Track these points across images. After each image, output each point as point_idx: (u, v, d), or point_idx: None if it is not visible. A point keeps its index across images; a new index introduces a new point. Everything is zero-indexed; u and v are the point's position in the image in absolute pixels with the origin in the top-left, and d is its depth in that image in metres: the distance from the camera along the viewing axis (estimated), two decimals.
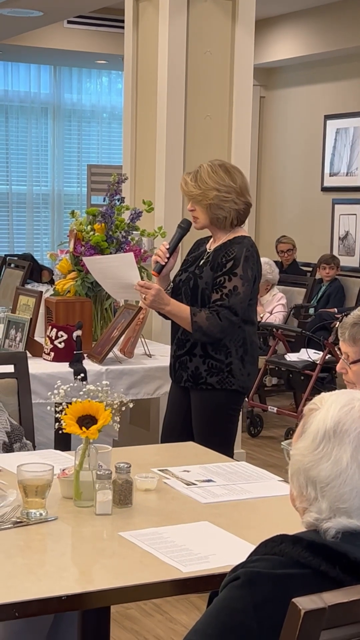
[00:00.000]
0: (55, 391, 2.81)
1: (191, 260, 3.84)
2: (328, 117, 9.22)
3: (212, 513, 2.42)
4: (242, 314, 3.66)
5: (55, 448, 3.85)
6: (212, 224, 3.72)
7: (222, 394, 3.71)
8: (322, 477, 1.54)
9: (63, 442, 4.13)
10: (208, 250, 3.78)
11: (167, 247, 3.77)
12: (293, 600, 1.38)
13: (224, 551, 2.15)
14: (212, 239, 3.81)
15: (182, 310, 3.69)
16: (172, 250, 3.77)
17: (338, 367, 2.77)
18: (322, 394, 1.65)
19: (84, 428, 2.39)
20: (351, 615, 1.39)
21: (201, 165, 3.73)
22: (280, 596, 1.46)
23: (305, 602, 1.36)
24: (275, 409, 6.44)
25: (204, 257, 3.76)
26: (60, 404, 2.66)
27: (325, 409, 1.58)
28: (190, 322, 3.65)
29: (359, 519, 1.52)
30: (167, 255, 3.75)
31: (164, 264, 3.76)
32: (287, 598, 1.42)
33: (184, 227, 3.82)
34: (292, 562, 1.51)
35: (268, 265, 7.09)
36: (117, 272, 4.22)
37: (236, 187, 3.67)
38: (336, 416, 1.56)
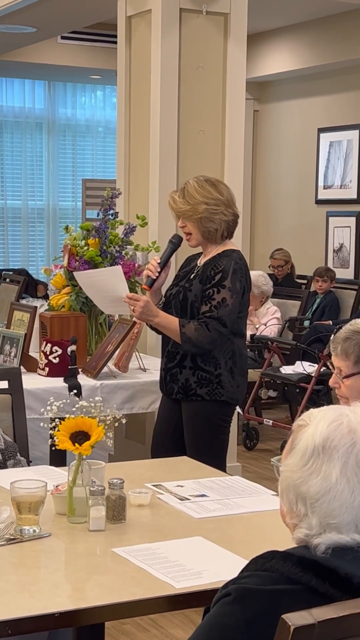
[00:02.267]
0: (49, 407, 2.81)
1: (182, 275, 3.88)
2: (321, 130, 9.25)
3: (205, 528, 2.42)
4: (231, 326, 3.69)
5: (51, 463, 3.86)
6: (204, 238, 3.75)
7: (212, 405, 3.73)
8: (312, 493, 1.55)
9: (58, 457, 4.13)
10: (198, 265, 3.81)
11: (159, 261, 3.79)
12: (283, 616, 1.39)
13: (217, 566, 2.15)
14: (202, 254, 3.84)
15: (171, 322, 3.71)
16: (164, 264, 3.80)
17: (331, 381, 2.77)
18: (311, 410, 1.66)
19: (77, 444, 2.40)
20: (341, 630, 1.39)
21: (187, 182, 3.78)
22: (271, 612, 1.46)
23: (295, 618, 1.37)
24: (271, 421, 6.44)
25: (194, 271, 3.80)
26: (54, 419, 2.66)
27: (314, 425, 1.59)
28: (179, 333, 3.67)
29: (349, 535, 1.53)
30: (158, 270, 3.78)
31: (155, 278, 3.78)
32: (278, 614, 1.43)
33: (175, 243, 3.84)
34: (282, 578, 1.51)
35: (263, 277, 7.10)
36: (106, 285, 4.23)
37: (223, 200, 3.72)
38: (325, 432, 1.57)
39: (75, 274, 4.49)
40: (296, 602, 1.46)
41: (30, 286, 9.35)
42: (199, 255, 3.88)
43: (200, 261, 3.82)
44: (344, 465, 1.54)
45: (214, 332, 3.65)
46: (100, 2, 6.51)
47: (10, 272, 9.42)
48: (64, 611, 1.92)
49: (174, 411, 3.84)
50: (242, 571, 1.57)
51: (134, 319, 4.15)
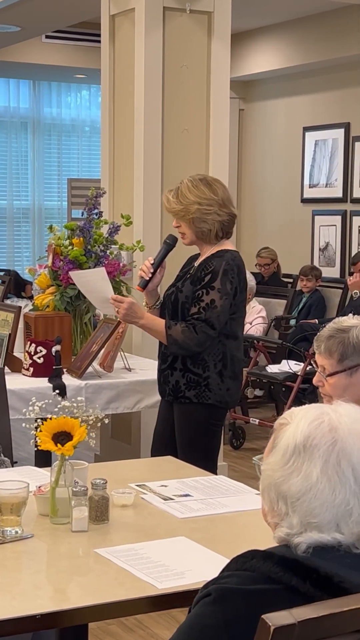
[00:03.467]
0: (30, 407, 2.80)
1: (181, 275, 3.85)
2: (307, 129, 9.26)
3: (189, 528, 2.41)
4: (221, 328, 3.65)
5: (36, 464, 3.85)
6: (198, 238, 3.71)
7: (200, 408, 3.70)
8: (293, 492, 1.54)
9: (43, 458, 4.12)
10: (195, 265, 3.78)
11: (152, 262, 3.76)
12: (263, 616, 1.37)
13: (200, 566, 2.14)
14: (200, 255, 3.81)
15: (157, 324, 3.69)
16: (157, 265, 3.76)
17: (314, 380, 2.77)
18: (293, 408, 1.65)
19: (59, 445, 2.38)
20: (321, 630, 1.38)
21: (182, 181, 3.73)
22: (251, 612, 1.45)
23: (275, 618, 1.36)
24: (257, 420, 6.44)
25: (190, 272, 3.77)
26: (36, 420, 2.65)
27: (295, 423, 1.58)
28: (165, 335, 3.65)
29: (330, 534, 1.52)
30: (152, 271, 3.75)
31: (148, 279, 3.76)
32: (258, 614, 1.41)
33: (170, 243, 3.80)
34: (263, 578, 1.50)
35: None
36: (94, 286, 4.23)
37: (218, 199, 3.67)
38: (306, 431, 1.56)
39: (72, 273, 4.49)
40: (277, 602, 1.45)
41: (18, 286, 9.34)
42: (199, 255, 3.85)
43: (197, 262, 3.79)
44: (324, 464, 1.53)
45: (201, 335, 3.62)
46: (84, 1, 6.50)
47: (1, 273, 9.41)
48: (46, 613, 1.91)
49: (169, 412, 3.83)
50: (223, 571, 1.56)
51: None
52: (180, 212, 3.67)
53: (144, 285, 3.77)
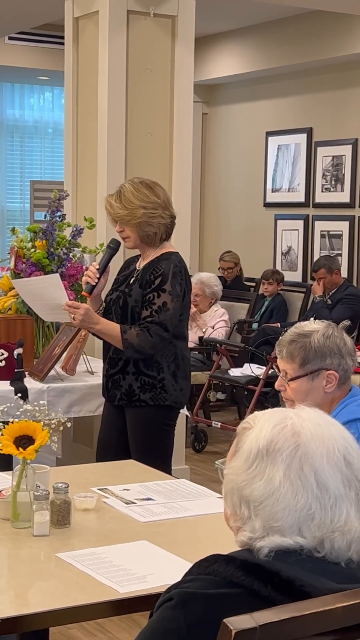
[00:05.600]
0: None
1: (121, 279, 3.85)
2: (269, 133, 9.30)
3: (151, 532, 2.41)
4: (173, 330, 3.68)
5: None
6: (143, 242, 3.73)
7: (156, 410, 3.72)
8: (255, 496, 1.54)
9: (5, 461, 4.09)
10: (137, 269, 3.79)
11: (97, 267, 3.77)
12: (224, 620, 1.37)
13: (162, 570, 2.14)
14: (141, 257, 3.82)
15: (112, 328, 3.69)
16: (102, 270, 3.77)
17: (277, 384, 2.78)
18: (256, 412, 1.65)
19: (20, 449, 2.37)
20: (282, 634, 1.39)
21: (122, 185, 3.74)
22: (213, 616, 1.45)
23: (236, 622, 1.36)
24: (220, 424, 6.45)
25: (134, 276, 3.77)
26: None
27: (258, 427, 1.58)
28: (120, 339, 3.65)
29: (292, 538, 1.52)
30: (97, 276, 3.75)
31: (94, 284, 3.76)
32: (220, 618, 1.41)
33: (113, 247, 3.81)
34: (225, 582, 1.50)
35: (214, 278, 7.15)
36: (45, 293, 4.20)
37: (160, 202, 3.70)
38: (269, 435, 1.56)
39: (13, 282, 4.45)
40: (239, 606, 1.45)
41: None
42: (137, 257, 3.86)
43: (140, 265, 3.80)
44: (287, 468, 1.53)
45: (155, 337, 3.64)
46: (47, 3, 6.47)
47: None
48: (6, 617, 1.89)
49: (117, 418, 3.82)
50: (185, 575, 1.56)
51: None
52: (126, 217, 3.67)
53: (90, 290, 3.77)
